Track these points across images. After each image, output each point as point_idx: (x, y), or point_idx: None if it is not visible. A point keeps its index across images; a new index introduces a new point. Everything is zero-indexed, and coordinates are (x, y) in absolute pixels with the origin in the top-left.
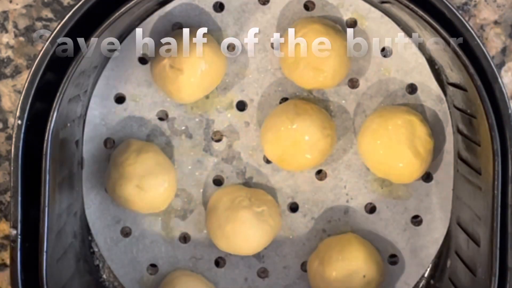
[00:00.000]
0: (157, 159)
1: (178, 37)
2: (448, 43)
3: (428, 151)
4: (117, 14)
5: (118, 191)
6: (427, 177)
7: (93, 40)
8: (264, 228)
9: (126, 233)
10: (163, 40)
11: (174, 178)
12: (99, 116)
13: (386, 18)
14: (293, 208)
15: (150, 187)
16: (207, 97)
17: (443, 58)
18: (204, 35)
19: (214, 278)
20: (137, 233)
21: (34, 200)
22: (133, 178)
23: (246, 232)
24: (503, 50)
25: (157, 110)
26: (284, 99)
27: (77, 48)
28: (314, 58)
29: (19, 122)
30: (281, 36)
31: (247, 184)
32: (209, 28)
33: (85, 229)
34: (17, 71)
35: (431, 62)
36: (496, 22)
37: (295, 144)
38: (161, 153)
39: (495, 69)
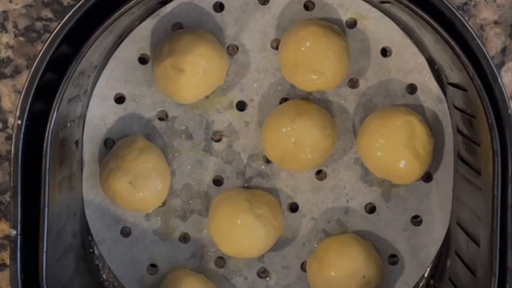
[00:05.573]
0: (156, 163)
1: (179, 37)
2: (448, 43)
3: (428, 152)
4: (117, 14)
5: (110, 181)
6: (427, 177)
7: (93, 40)
8: (267, 229)
9: (126, 233)
10: (164, 40)
11: (167, 187)
12: (99, 116)
13: (386, 18)
14: (293, 208)
15: (141, 188)
16: (207, 97)
17: (443, 58)
18: (206, 34)
19: (214, 278)
20: (137, 233)
21: (34, 200)
22: (128, 173)
23: (248, 236)
24: (503, 50)
25: (157, 110)
26: (284, 99)
27: (77, 48)
28: (313, 61)
29: (19, 122)
30: (279, 38)
31: (247, 184)
32: (209, 28)
33: (85, 229)
34: (17, 71)
35: (431, 62)
36: (496, 22)
37: (296, 144)
38: (163, 158)
39: (495, 69)
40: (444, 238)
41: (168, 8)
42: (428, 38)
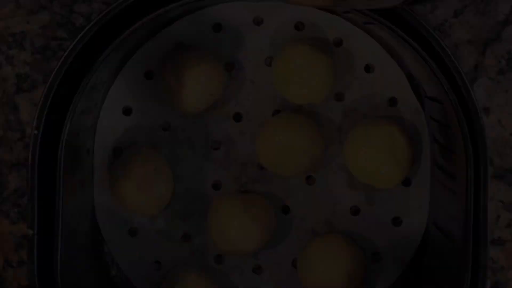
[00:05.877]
0: (161, 170)
1: (181, 55)
2: (425, 60)
3: (407, 159)
4: (124, 34)
5: (118, 186)
6: (406, 182)
7: (103, 58)
8: (261, 229)
9: (133, 233)
10: (168, 58)
11: (170, 191)
12: (108, 126)
13: (370, 37)
14: (285, 210)
15: (147, 192)
16: (207, 109)
17: (421, 74)
18: (205, 53)
19: (212, 275)
20: (143, 233)
21: (49, 203)
22: (135, 179)
23: (244, 235)
24: (476, 67)
25: (162, 121)
26: (277, 111)
27: (88, 65)
28: (303, 77)
29: (36, 132)
30: (272, 56)
31: (243, 188)
32: (209, 46)
33: (96, 229)
34: (34, 86)
35: (410, 77)
36: (469, 41)
37: (287, 152)
38: (166, 164)
39: (468, 84)
40: (422, 238)
41: (171, 28)
42: (408, 56)
